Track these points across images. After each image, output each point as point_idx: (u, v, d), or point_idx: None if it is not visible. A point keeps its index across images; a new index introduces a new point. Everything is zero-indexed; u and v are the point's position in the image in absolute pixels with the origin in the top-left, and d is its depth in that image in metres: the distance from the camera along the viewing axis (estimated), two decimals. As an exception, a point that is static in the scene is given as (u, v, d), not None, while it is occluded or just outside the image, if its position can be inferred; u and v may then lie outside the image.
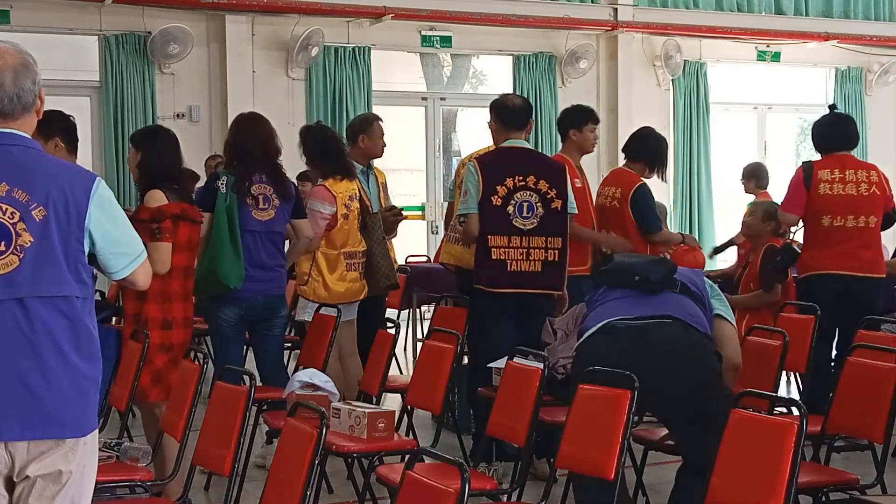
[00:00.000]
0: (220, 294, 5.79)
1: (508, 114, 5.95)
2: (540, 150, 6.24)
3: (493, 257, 5.78)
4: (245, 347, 6.23)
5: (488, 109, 6.07)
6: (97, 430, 3.02)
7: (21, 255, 2.85)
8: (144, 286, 3.20)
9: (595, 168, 12.05)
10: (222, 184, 5.76)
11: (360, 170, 6.79)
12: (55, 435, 2.88)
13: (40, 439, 2.87)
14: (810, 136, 6.97)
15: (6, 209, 2.86)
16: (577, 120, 6.56)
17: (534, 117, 6.34)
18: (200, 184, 8.29)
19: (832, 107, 7.09)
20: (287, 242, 6.23)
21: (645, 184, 6.65)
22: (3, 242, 2.85)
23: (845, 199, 6.50)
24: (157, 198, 5.07)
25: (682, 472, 4.43)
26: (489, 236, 5.79)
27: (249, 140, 5.90)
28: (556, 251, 5.83)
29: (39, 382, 2.85)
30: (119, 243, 3.01)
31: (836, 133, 6.72)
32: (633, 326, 4.40)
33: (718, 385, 4.35)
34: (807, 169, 6.61)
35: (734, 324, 4.80)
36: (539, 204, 5.80)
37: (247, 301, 5.81)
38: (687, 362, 4.29)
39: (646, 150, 6.76)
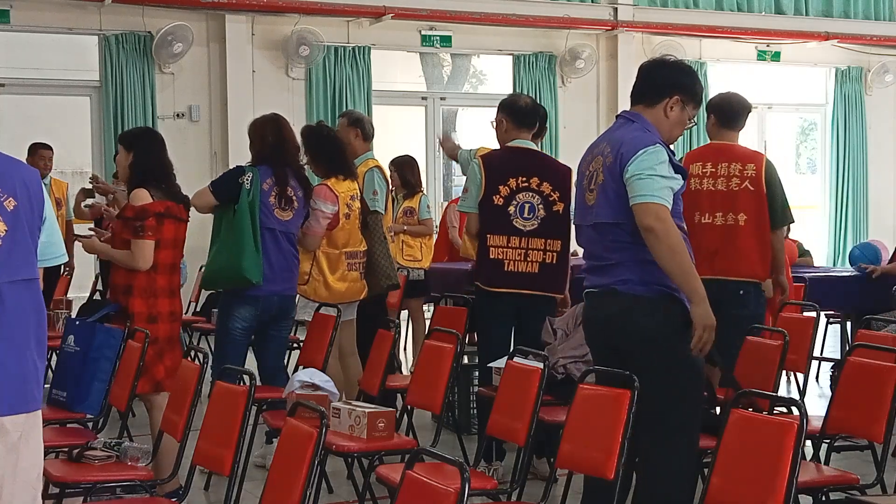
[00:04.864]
0: (237, 293, 5.82)
1: (520, 113, 5.91)
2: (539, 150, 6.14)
3: (491, 256, 5.77)
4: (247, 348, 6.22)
5: (496, 109, 6.01)
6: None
7: None
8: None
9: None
10: (247, 179, 5.79)
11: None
12: (23, 409, 3.04)
13: (13, 415, 3.01)
14: None
15: None
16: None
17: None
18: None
19: None
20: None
21: None
22: None
23: None
24: (142, 196, 5.21)
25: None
26: (488, 235, 5.79)
27: (288, 141, 5.99)
28: (555, 254, 5.80)
29: (13, 361, 2.99)
30: (56, 233, 3.21)
31: None
32: (593, 294, 4.31)
33: (666, 345, 4.08)
34: None
35: None
36: (541, 206, 5.78)
37: (264, 300, 5.85)
38: (623, 324, 4.13)
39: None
